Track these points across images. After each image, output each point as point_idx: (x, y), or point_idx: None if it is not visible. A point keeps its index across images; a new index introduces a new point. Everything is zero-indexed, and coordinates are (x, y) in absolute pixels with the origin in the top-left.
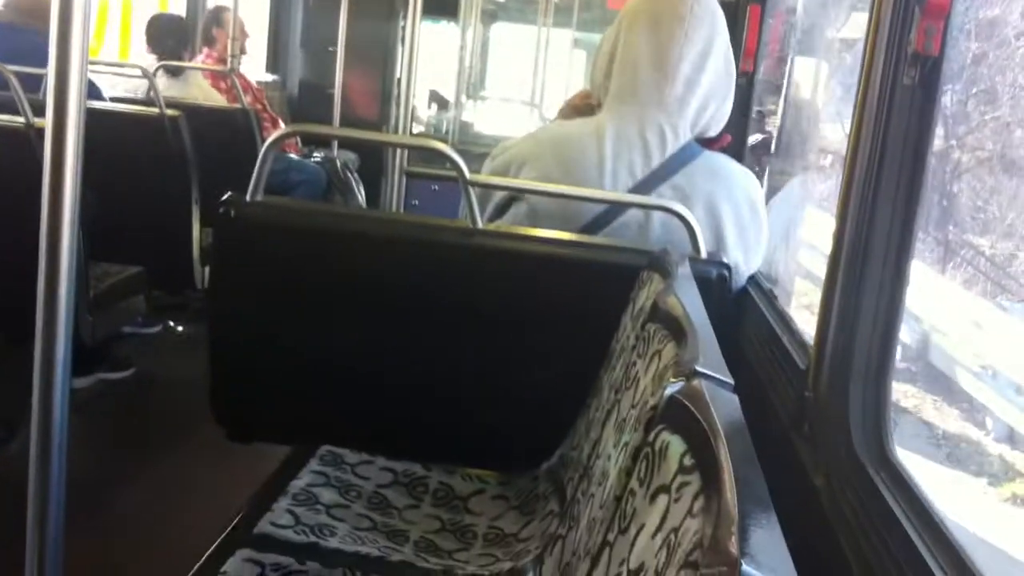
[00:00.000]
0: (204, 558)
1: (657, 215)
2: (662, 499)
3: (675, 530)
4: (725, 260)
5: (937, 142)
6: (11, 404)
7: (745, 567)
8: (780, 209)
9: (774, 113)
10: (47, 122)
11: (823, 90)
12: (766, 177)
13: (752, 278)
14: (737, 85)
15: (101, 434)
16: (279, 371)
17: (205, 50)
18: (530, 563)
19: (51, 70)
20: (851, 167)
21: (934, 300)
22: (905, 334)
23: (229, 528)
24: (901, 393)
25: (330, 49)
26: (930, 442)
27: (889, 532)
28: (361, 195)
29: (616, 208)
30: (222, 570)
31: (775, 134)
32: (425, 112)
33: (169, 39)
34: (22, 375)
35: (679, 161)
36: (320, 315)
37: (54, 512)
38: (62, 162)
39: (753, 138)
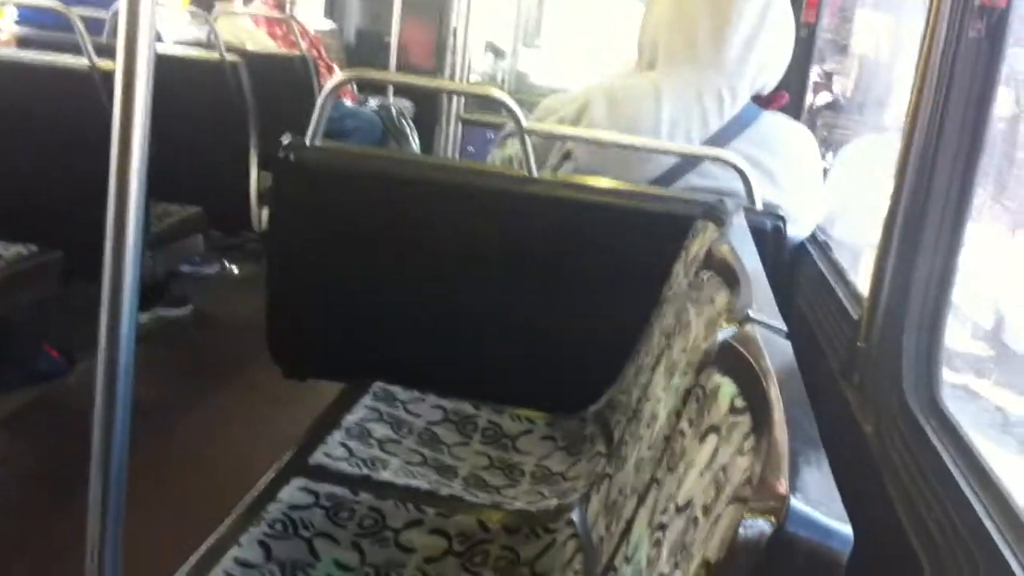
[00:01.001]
0: (261, 485)
1: (712, 183)
2: (712, 438)
3: (724, 468)
4: (780, 213)
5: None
6: (71, 337)
7: (794, 502)
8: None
9: (839, 73)
10: (118, 65)
11: (892, 45)
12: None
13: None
14: (798, 37)
15: (160, 367)
16: (334, 311)
17: None
18: (576, 501)
19: (122, 13)
20: (913, 120)
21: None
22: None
23: (285, 458)
24: (972, 376)
25: None
26: (1004, 429)
27: (937, 479)
28: (416, 143)
29: (669, 175)
30: (278, 497)
31: (842, 94)
32: (481, 62)
33: None
34: (82, 309)
35: (738, 126)
36: (375, 257)
37: (119, 435)
38: (131, 104)
39: (820, 97)
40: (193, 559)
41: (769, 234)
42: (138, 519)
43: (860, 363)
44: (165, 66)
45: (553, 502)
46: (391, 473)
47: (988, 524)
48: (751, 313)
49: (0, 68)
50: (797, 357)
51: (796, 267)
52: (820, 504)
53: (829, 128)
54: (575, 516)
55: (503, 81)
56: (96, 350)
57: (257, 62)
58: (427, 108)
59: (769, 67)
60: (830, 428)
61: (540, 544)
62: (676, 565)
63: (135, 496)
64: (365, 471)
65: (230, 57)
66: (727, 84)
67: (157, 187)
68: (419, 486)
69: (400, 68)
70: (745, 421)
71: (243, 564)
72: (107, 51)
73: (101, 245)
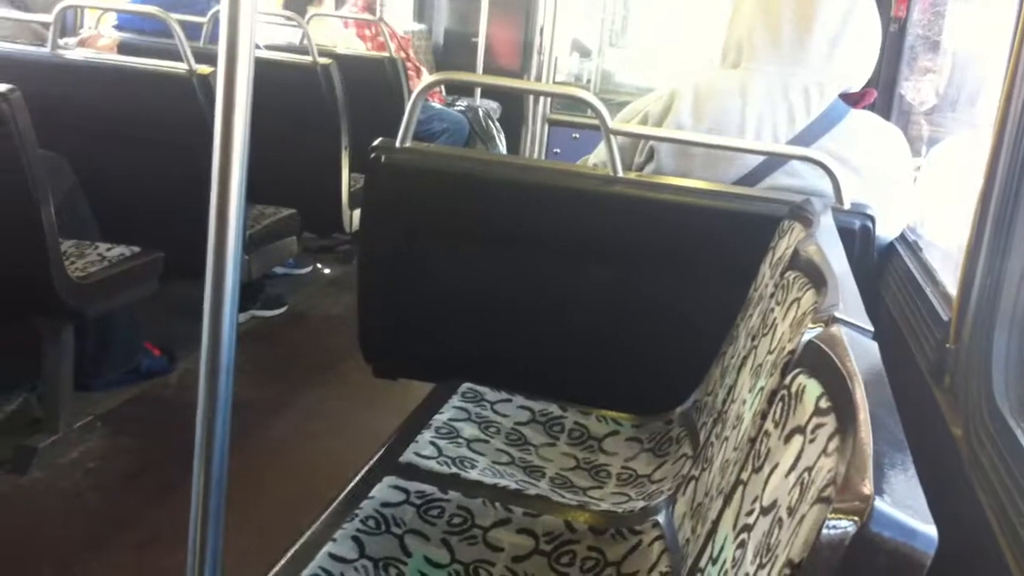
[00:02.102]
0: (353, 482)
1: (799, 183)
2: (797, 439)
3: (809, 469)
4: (869, 212)
5: None
6: (172, 335)
7: (878, 503)
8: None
9: (933, 70)
10: (219, 70)
11: (985, 40)
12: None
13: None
14: (887, 32)
15: (255, 366)
16: (423, 311)
17: (351, 1)
18: (663, 503)
19: (224, 19)
20: (1003, 117)
21: None
22: None
23: (376, 456)
24: None
25: None
26: None
27: None
28: (502, 143)
29: (755, 174)
30: (370, 495)
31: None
32: (567, 62)
33: None
34: (182, 308)
35: (825, 124)
36: (463, 257)
37: (220, 432)
38: (232, 108)
39: (912, 94)
40: (289, 554)
41: (857, 234)
42: (236, 515)
43: (950, 365)
44: (260, 69)
45: (639, 503)
46: (479, 472)
47: None
48: (837, 314)
49: (103, 73)
50: (885, 358)
51: (885, 267)
52: (904, 505)
53: (921, 126)
54: (661, 518)
55: (589, 81)
56: (196, 349)
57: (348, 64)
58: (513, 109)
59: (856, 63)
60: (919, 430)
61: (626, 545)
62: (761, 566)
63: (233, 492)
64: (454, 470)
65: (322, 60)
66: (813, 81)
67: (252, 190)
68: (507, 485)
69: (487, 69)
70: (830, 422)
71: (337, 559)
72: (204, 56)
73: (201, 246)
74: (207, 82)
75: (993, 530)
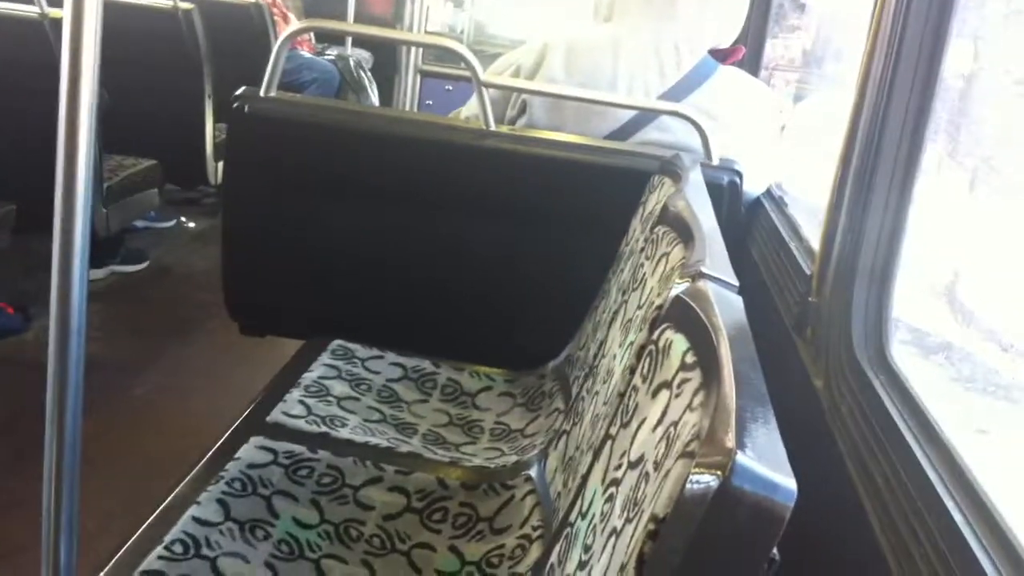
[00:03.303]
0: (219, 443)
1: (670, 138)
2: (663, 394)
3: (675, 423)
4: (737, 167)
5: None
6: (28, 291)
7: (739, 457)
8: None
9: (800, 28)
10: (65, 13)
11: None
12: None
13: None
14: None
15: (116, 324)
16: (292, 267)
17: None
18: (535, 457)
19: None
20: (864, 78)
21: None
22: None
23: (243, 416)
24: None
25: None
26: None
27: (885, 432)
28: (374, 94)
29: (626, 129)
30: (236, 456)
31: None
32: (441, 11)
33: None
34: (38, 263)
35: (695, 79)
36: (332, 212)
37: (72, 394)
38: (79, 54)
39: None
40: (151, 518)
41: (725, 189)
42: (95, 478)
43: (812, 318)
44: (116, 14)
45: (512, 458)
46: (350, 431)
47: (932, 475)
48: (704, 269)
49: None
50: (751, 312)
51: (752, 222)
52: (765, 459)
53: (787, 83)
54: (533, 472)
55: (462, 32)
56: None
57: (211, 10)
58: (386, 59)
59: (725, 21)
60: (783, 382)
61: (499, 500)
62: (628, 520)
63: (92, 455)
64: (324, 429)
65: (183, 4)
66: (684, 37)
67: (111, 140)
68: (378, 443)
69: (358, 17)
70: (696, 377)
71: (201, 522)
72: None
73: (52, 197)
74: (60, 26)
75: (852, 476)
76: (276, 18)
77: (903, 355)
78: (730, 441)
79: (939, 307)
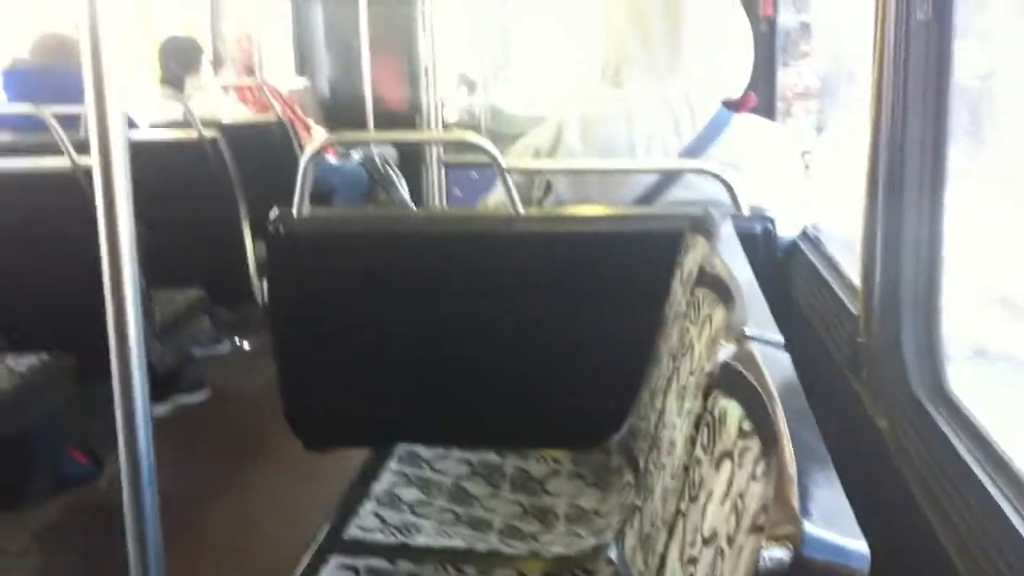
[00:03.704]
0: (301, 568)
1: (697, 194)
2: (727, 465)
3: (741, 495)
4: (768, 214)
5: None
6: (97, 437)
7: (807, 526)
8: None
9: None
10: (93, 161)
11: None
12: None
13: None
14: (759, 33)
15: (185, 456)
16: (346, 376)
17: (230, 63)
18: (612, 538)
19: (90, 111)
20: (877, 105)
21: None
22: None
23: (320, 536)
24: None
25: (355, 43)
26: None
27: (952, 468)
28: (404, 188)
29: (652, 191)
30: None
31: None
32: (456, 97)
33: (174, 61)
34: (104, 409)
35: (711, 133)
36: (377, 316)
37: (151, 535)
38: (113, 199)
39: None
40: None
41: (759, 237)
42: None
43: (864, 357)
44: (144, 153)
45: (590, 542)
46: (426, 536)
47: (1006, 507)
48: (747, 330)
49: None
50: (801, 359)
51: (791, 266)
52: (833, 524)
53: (808, 112)
54: (613, 553)
55: (480, 116)
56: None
57: (235, 133)
58: (411, 151)
59: (733, 70)
60: (845, 424)
61: None
62: None
63: None
64: (400, 539)
65: (208, 133)
66: (693, 93)
67: (156, 274)
68: (455, 546)
69: (377, 113)
70: (754, 445)
71: None
72: (87, 147)
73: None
74: (92, 174)
75: (926, 513)
76: (298, 128)
77: (971, 373)
78: (796, 510)
79: (997, 313)
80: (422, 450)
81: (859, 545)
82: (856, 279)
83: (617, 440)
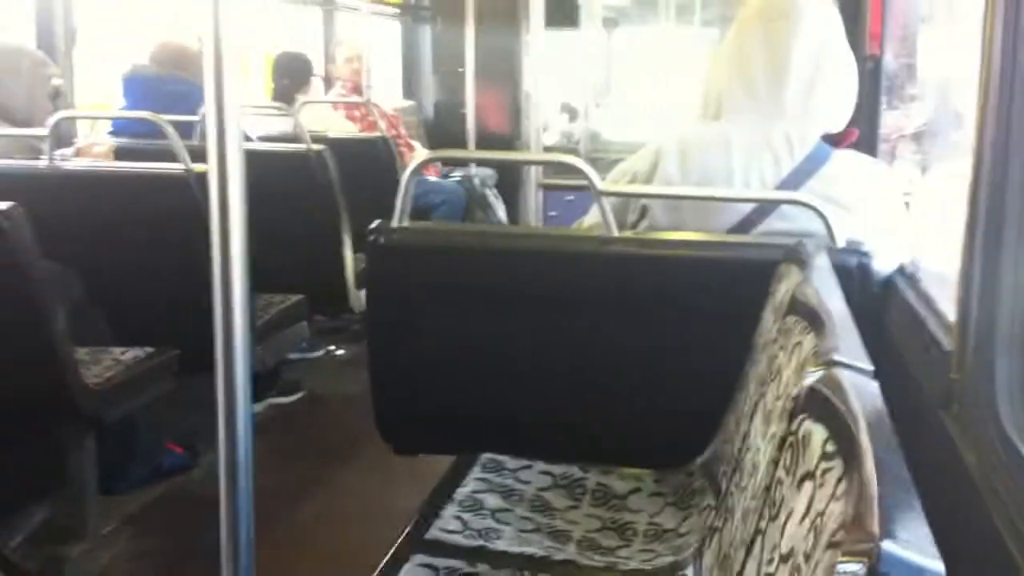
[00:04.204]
0: (382, 564)
1: (792, 226)
2: (808, 485)
3: (820, 514)
4: (864, 248)
5: None
6: (194, 431)
7: (885, 544)
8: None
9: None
10: (210, 167)
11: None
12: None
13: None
14: (863, 71)
15: (277, 454)
16: (437, 385)
17: (340, 82)
18: (690, 556)
19: (209, 118)
20: (980, 141)
21: None
22: None
23: (403, 535)
24: None
25: (459, 70)
26: None
27: None
28: (501, 209)
29: (747, 222)
30: (400, 574)
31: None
32: (557, 122)
33: (287, 77)
34: (201, 403)
35: (810, 166)
36: (471, 328)
37: (244, 527)
38: (227, 203)
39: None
40: None
41: (854, 271)
42: None
43: (956, 393)
44: (254, 162)
45: (668, 559)
46: (506, 542)
47: None
48: (836, 357)
49: (102, 181)
50: (893, 392)
51: (886, 301)
52: (911, 544)
53: (912, 155)
54: (690, 572)
55: (578, 142)
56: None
57: (341, 147)
58: (510, 174)
59: (833, 107)
60: (932, 461)
61: None
62: None
63: None
64: (480, 542)
65: (315, 146)
66: (793, 126)
67: (258, 280)
68: (534, 553)
69: (479, 135)
70: (837, 466)
71: None
72: (200, 153)
73: (212, 340)
74: (204, 179)
75: (1012, 553)
76: (401, 148)
77: None
78: (874, 528)
79: None
80: (507, 460)
81: (935, 565)
82: (951, 316)
83: (700, 463)
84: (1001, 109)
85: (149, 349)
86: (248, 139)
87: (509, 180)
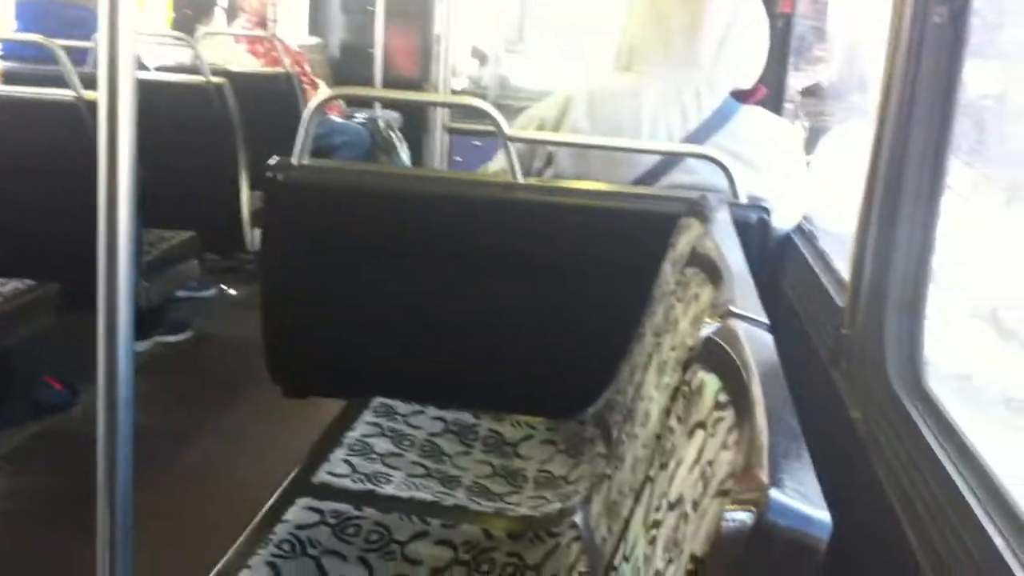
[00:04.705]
0: (267, 507)
1: (696, 179)
2: (699, 434)
3: (710, 463)
4: (764, 205)
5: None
6: (75, 368)
7: (773, 492)
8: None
9: (823, 60)
10: (100, 95)
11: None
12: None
13: None
14: (774, 28)
15: (162, 394)
16: (330, 328)
17: (244, 15)
18: (579, 503)
19: (102, 44)
20: (884, 105)
21: None
22: None
23: (289, 478)
24: None
25: (369, 8)
26: None
27: (923, 461)
28: (405, 153)
29: (652, 173)
30: (284, 518)
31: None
32: (466, 68)
33: (188, 7)
34: (84, 340)
35: (717, 121)
36: (367, 271)
37: (122, 467)
38: (116, 133)
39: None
40: None
41: (754, 227)
42: (147, 548)
43: (846, 350)
44: (149, 92)
45: (556, 506)
46: (394, 487)
47: (973, 502)
48: (733, 308)
49: None
50: (786, 347)
51: (783, 258)
52: (799, 493)
53: (813, 116)
54: (578, 519)
55: (487, 88)
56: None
57: (242, 82)
58: (414, 118)
59: (744, 63)
60: (820, 415)
61: (545, 548)
62: (670, 561)
63: (144, 525)
64: (369, 486)
65: (214, 79)
66: (704, 80)
67: (149, 214)
68: (423, 498)
69: (386, 78)
70: (729, 415)
71: None
72: (93, 81)
73: (96, 275)
74: (96, 108)
75: (893, 506)
76: (305, 86)
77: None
78: (764, 477)
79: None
80: (399, 405)
81: (822, 515)
82: (846, 274)
83: (593, 412)
84: (907, 74)
85: (30, 282)
86: (145, 68)
87: (415, 124)
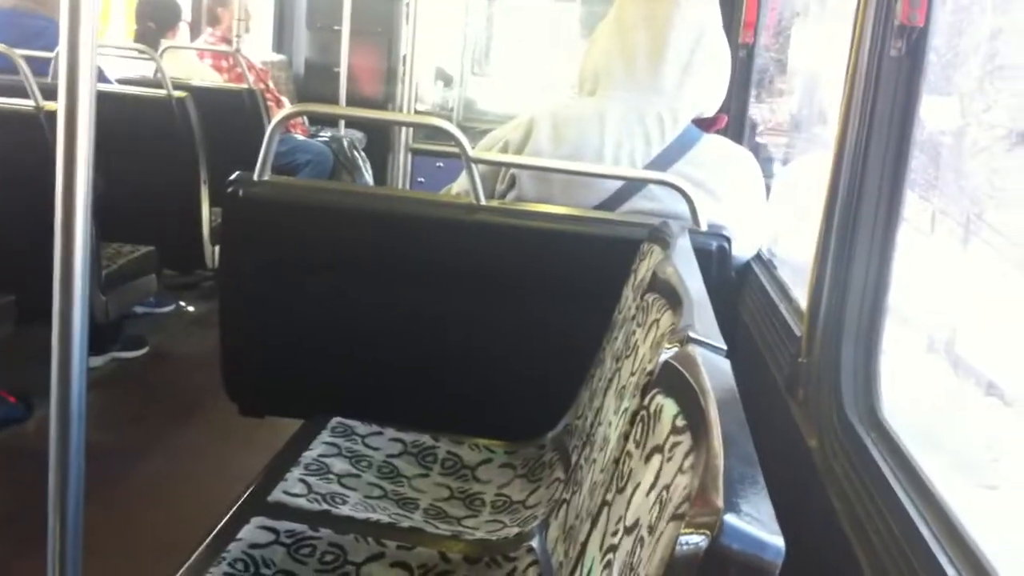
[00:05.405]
0: (220, 525)
1: (657, 206)
2: (656, 459)
3: (667, 487)
4: (725, 233)
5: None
6: (29, 381)
7: (727, 517)
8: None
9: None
10: (59, 106)
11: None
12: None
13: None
14: (736, 59)
15: (117, 410)
16: (289, 347)
17: (209, 30)
18: (536, 528)
19: (62, 55)
20: (842, 136)
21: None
22: None
23: (244, 497)
24: None
25: (335, 28)
26: None
27: (877, 489)
28: (368, 173)
29: (614, 199)
30: (238, 536)
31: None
32: (431, 90)
33: (152, 20)
34: (39, 353)
35: (679, 148)
36: (328, 291)
37: (74, 482)
38: (74, 145)
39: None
40: None
41: (714, 254)
42: (98, 564)
43: (803, 378)
44: (110, 104)
45: (513, 530)
46: (351, 508)
47: (925, 531)
48: (692, 334)
49: None
50: (744, 374)
51: (743, 286)
52: (753, 518)
53: (774, 147)
54: (535, 543)
55: (452, 110)
56: None
57: (204, 97)
58: (379, 138)
59: (707, 91)
60: (777, 443)
61: (501, 572)
62: None
63: (95, 542)
64: (325, 506)
65: (176, 93)
66: (667, 107)
67: (108, 227)
68: (379, 519)
69: (350, 98)
70: (686, 440)
71: None
72: (53, 92)
73: (52, 288)
74: (55, 118)
75: (847, 534)
76: (269, 103)
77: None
78: (718, 501)
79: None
80: (357, 425)
81: (775, 540)
82: (804, 303)
83: (552, 436)
84: (865, 106)
85: None
86: (107, 81)
87: (379, 144)
